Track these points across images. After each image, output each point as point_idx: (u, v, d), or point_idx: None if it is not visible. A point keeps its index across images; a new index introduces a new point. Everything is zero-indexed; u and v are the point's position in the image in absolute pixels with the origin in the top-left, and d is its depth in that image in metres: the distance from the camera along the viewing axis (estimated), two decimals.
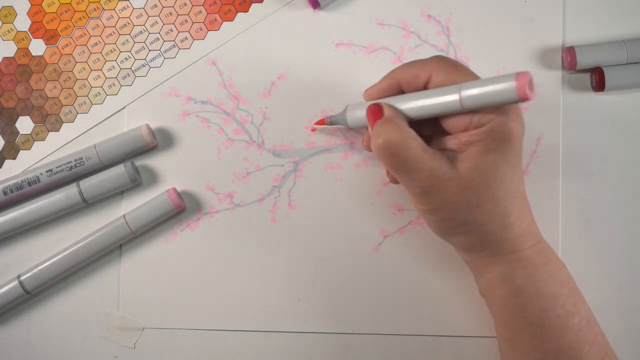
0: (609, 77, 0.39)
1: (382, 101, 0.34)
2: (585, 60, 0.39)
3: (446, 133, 0.33)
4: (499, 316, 0.34)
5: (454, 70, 0.32)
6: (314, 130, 0.41)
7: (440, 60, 0.33)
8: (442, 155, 0.32)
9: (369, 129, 0.33)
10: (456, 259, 0.39)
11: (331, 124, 0.39)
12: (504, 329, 0.34)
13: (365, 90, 0.36)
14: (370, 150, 0.36)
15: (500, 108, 0.30)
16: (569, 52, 0.39)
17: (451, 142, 0.32)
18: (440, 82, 0.32)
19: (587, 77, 0.40)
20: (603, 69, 0.39)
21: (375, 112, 0.33)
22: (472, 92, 0.30)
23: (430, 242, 0.40)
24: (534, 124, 0.40)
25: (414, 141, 0.31)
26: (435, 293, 0.40)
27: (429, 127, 0.35)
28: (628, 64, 0.39)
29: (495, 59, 0.41)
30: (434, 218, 0.33)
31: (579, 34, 0.41)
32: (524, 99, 0.28)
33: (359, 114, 0.35)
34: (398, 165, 0.32)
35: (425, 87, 0.33)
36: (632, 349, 0.39)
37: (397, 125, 0.32)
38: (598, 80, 0.39)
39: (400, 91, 0.34)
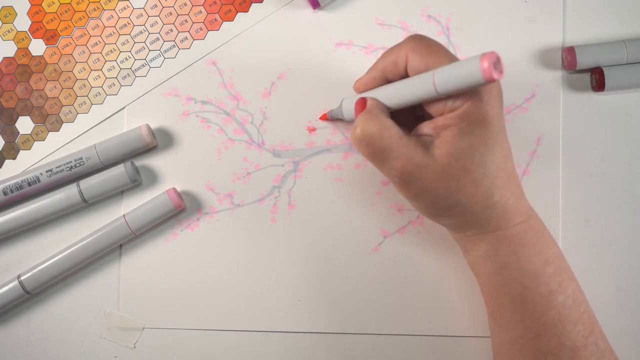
0: (609, 77, 0.39)
1: (368, 94, 0.34)
2: (585, 60, 0.39)
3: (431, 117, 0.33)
4: (484, 292, 0.35)
5: (427, 52, 0.32)
6: (313, 129, 0.41)
7: (414, 42, 0.32)
8: (418, 143, 0.32)
9: None
10: (456, 259, 0.39)
11: (332, 118, 0.40)
12: (488, 304, 0.35)
13: (354, 84, 0.36)
14: None
15: (474, 90, 0.30)
16: (569, 52, 0.39)
17: (428, 126, 0.32)
18: (416, 65, 0.32)
19: (587, 77, 0.40)
20: (603, 69, 0.39)
21: (360, 105, 0.33)
22: (443, 77, 0.29)
23: (430, 242, 0.40)
24: (534, 124, 0.40)
25: (389, 130, 0.31)
26: (435, 293, 0.40)
27: (418, 112, 0.35)
28: (628, 64, 0.39)
29: None
30: (418, 204, 0.33)
31: (579, 34, 0.41)
32: (490, 80, 0.27)
33: (351, 107, 0.36)
34: (374, 155, 0.32)
35: (406, 72, 0.33)
36: (632, 349, 0.39)
37: (374, 116, 0.32)
38: (598, 80, 0.39)
39: (387, 80, 0.34)
